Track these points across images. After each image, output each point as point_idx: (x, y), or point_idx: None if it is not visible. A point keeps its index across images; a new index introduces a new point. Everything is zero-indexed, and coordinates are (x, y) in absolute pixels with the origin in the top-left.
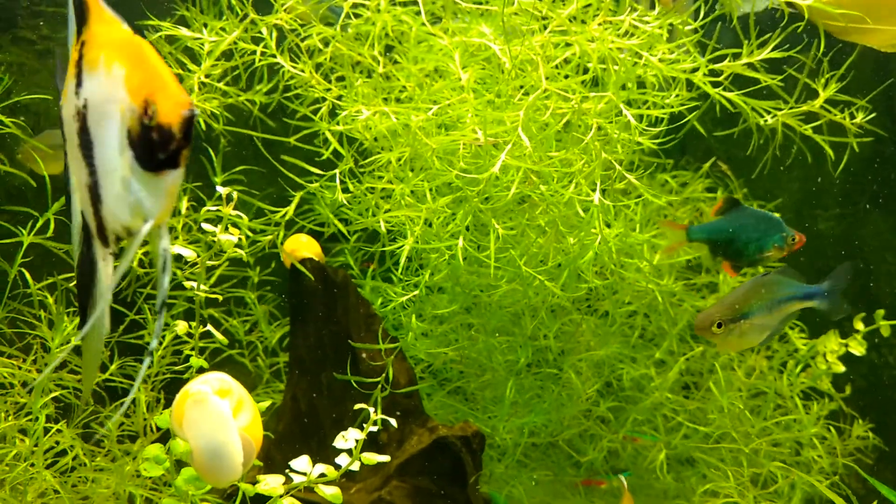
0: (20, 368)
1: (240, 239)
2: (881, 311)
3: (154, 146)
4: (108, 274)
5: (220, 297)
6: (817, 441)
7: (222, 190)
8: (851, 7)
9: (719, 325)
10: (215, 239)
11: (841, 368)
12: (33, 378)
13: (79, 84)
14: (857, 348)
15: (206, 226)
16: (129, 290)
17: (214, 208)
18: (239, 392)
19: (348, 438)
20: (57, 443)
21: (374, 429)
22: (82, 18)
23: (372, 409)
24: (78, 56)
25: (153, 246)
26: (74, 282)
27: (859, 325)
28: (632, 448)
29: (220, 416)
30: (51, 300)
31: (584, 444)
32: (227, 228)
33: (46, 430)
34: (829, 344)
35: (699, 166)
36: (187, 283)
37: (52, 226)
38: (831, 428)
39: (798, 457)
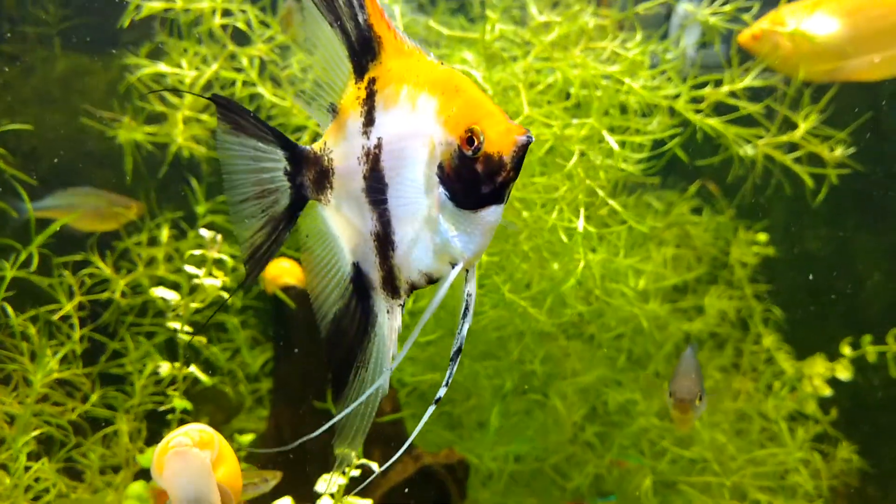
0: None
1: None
2: (868, 337)
3: (477, 180)
4: (393, 327)
5: (205, 340)
6: (802, 467)
7: (207, 234)
8: (836, 47)
9: (701, 398)
10: (200, 283)
11: (827, 391)
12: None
13: (368, 123)
14: (844, 372)
15: (189, 268)
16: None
17: (198, 252)
18: (219, 443)
19: (331, 482)
20: (37, 479)
21: (356, 472)
22: (370, 53)
23: (353, 453)
24: (366, 94)
25: (455, 289)
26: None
27: (846, 350)
28: (617, 473)
29: (200, 467)
30: (33, 331)
31: (570, 469)
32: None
33: (28, 467)
34: (816, 367)
35: (685, 186)
36: (170, 325)
37: (35, 259)
38: (815, 454)
39: (783, 481)
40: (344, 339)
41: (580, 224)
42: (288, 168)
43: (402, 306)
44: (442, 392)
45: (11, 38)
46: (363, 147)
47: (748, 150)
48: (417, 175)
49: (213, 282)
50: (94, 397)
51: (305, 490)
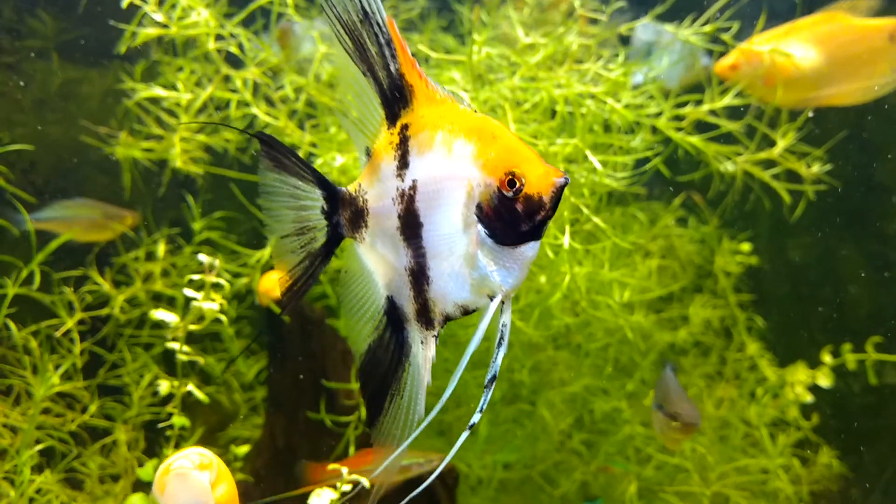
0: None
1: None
2: (847, 345)
3: (518, 219)
4: (427, 357)
5: (202, 360)
6: (782, 472)
7: (205, 259)
8: (810, 75)
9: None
10: (198, 305)
11: (808, 398)
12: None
13: (402, 166)
14: (824, 379)
15: (188, 292)
16: (109, 331)
17: (196, 276)
18: (217, 465)
19: (323, 497)
20: (39, 490)
21: (348, 488)
22: (402, 101)
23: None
24: (399, 139)
25: (491, 319)
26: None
27: (826, 358)
28: (604, 479)
29: (200, 488)
30: (35, 345)
31: (557, 476)
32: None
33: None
34: (798, 375)
35: (672, 197)
36: (169, 345)
37: (38, 277)
38: (795, 460)
39: (764, 486)
40: (378, 368)
41: (566, 241)
42: (325, 207)
43: (436, 337)
44: (476, 418)
45: (10, 49)
46: (398, 188)
47: (728, 167)
48: (454, 214)
49: (212, 305)
50: (92, 408)
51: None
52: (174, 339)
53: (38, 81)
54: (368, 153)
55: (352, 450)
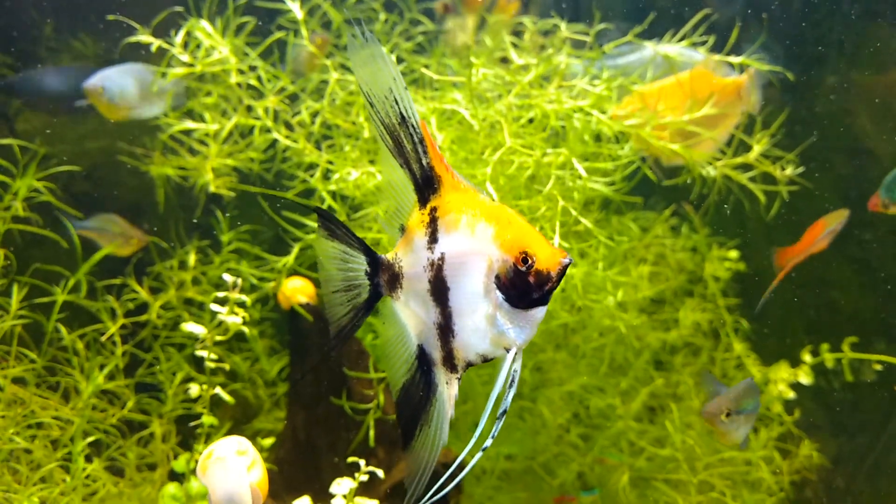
0: (56, 409)
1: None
2: (825, 345)
3: (530, 288)
4: (451, 395)
5: (228, 366)
6: (763, 463)
7: (229, 279)
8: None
9: (728, 415)
10: (223, 319)
11: (791, 395)
12: (67, 419)
13: (432, 241)
14: (805, 377)
15: (214, 307)
16: (146, 334)
17: (222, 295)
18: (253, 453)
19: (342, 485)
20: (88, 476)
21: (365, 476)
22: (431, 188)
23: (363, 462)
24: (429, 219)
25: (505, 365)
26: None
27: (807, 357)
28: (599, 469)
29: (237, 472)
30: (81, 347)
31: (556, 467)
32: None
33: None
34: (781, 373)
35: (665, 206)
36: (198, 353)
37: (84, 286)
38: (776, 452)
39: (747, 475)
40: (411, 402)
41: (556, 240)
42: (368, 270)
43: (459, 379)
44: (488, 443)
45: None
46: (428, 259)
47: (710, 171)
48: (477, 282)
49: (235, 319)
50: (130, 404)
51: (320, 490)
52: (203, 348)
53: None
54: (402, 229)
55: (372, 434)
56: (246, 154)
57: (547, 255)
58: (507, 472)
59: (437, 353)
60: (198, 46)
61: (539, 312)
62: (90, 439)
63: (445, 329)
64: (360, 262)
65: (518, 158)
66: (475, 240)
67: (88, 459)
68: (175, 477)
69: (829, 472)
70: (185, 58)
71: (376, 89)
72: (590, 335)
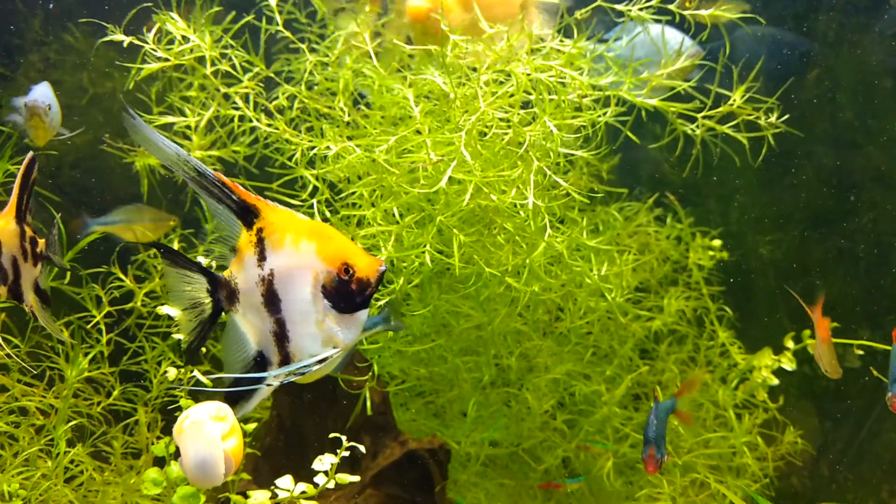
0: (43, 398)
1: None
2: (807, 332)
3: (352, 294)
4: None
5: (204, 349)
6: (747, 449)
7: (204, 262)
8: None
9: None
10: None
11: (775, 381)
12: (50, 405)
13: (261, 259)
14: (788, 364)
15: None
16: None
17: None
18: (232, 420)
19: (324, 461)
20: (72, 461)
21: (347, 453)
22: (251, 214)
23: (344, 437)
24: (256, 239)
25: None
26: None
27: (789, 343)
28: (584, 456)
29: (211, 437)
30: (66, 334)
31: (542, 453)
32: None
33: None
34: (764, 360)
35: (650, 196)
36: (174, 337)
37: (68, 273)
38: (759, 438)
39: (731, 462)
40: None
41: (530, 200)
42: (208, 288)
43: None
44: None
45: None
46: (259, 275)
47: (692, 127)
48: (305, 292)
49: None
50: (115, 392)
51: (306, 478)
52: (179, 331)
53: (69, 93)
54: (234, 250)
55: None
56: (230, 147)
57: (365, 263)
58: (493, 459)
59: (274, 357)
60: (171, 41)
61: (362, 315)
62: (73, 423)
63: (281, 336)
64: (202, 283)
65: (494, 123)
66: (300, 255)
67: (72, 445)
68: (159, 463)
69: (814, 458)
70: (160, 53)
71: (167, 158)
72: (575, 315)
